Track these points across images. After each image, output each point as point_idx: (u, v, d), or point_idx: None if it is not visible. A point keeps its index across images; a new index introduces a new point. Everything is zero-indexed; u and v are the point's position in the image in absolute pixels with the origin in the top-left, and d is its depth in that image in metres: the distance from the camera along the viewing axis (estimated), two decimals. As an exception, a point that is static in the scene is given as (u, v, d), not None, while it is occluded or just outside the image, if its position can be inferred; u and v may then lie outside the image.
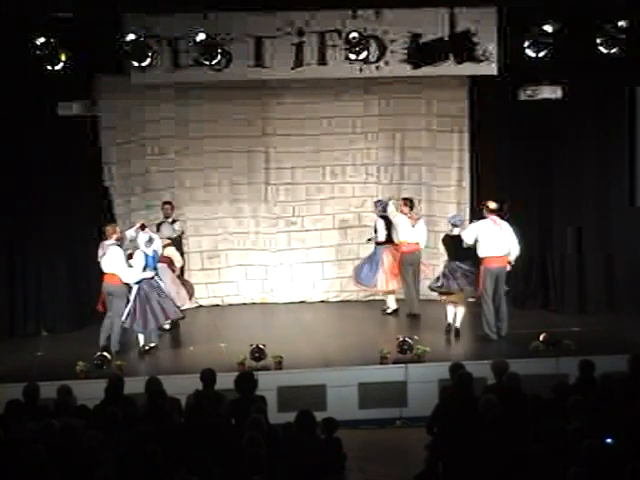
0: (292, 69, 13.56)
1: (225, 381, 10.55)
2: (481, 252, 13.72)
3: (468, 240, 13.84)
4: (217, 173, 16.28)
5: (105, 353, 12.90)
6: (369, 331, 14.68)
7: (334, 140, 16.28)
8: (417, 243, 15.22)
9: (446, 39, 13.52)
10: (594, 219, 15.23)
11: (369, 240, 15.51)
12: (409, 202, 15.34)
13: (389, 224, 15.25)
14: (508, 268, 13.95)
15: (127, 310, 13.46)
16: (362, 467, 10.63)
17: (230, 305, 16.14)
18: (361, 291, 16.09)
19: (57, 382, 11.09)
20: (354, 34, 13.05)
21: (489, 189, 15.74)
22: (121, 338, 13.63)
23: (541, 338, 13.13)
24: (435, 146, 16.15)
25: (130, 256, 13.67)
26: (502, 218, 13.94)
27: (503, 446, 8.77)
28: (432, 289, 14.29)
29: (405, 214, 15.21)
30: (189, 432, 9.25)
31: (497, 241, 13.68)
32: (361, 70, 13.64)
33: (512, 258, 13.89)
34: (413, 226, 15.17)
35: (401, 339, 13.04)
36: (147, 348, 13.60)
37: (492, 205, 13.83)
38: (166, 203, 15.32)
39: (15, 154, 14.31)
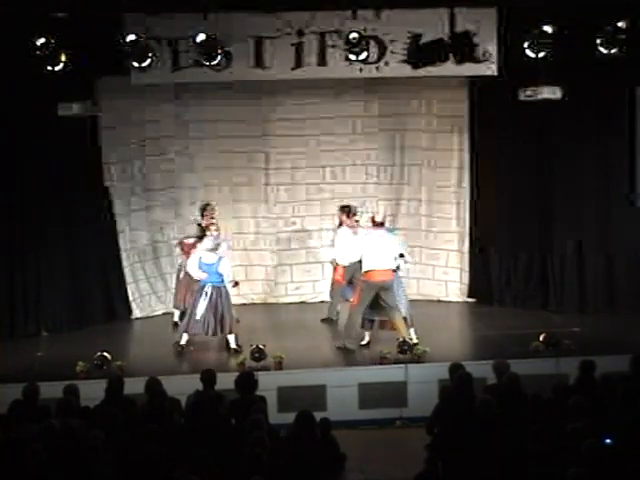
0: (292, 69, 13.53)
1: (225, 381, 10.55)
2: (364, 265, 13.40)
3: (353, 258, 13.78)
4: (217, 173, 16.28)
5: (105, 353, 12.87)
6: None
7: (334, 140, 16.28)
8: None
9: (446, 39, 13.49)
10: (594, 219, 15.22)
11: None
12: (347, 209, 14.78)
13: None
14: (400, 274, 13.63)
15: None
16: (362, 467, 10.61)
17: (230, 305, 16.13)
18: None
19: (57, 382, 11.10)
20: (354, 34, 13.02)
21: (489, 189, 15.76)
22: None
23: (541, 338, 13.12)
24: (435, 146, 16.14)
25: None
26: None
27: (503, 446, 8.78)
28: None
29: (347, 224, 14.67)
30: (189, 432, 9.25)
31: (380, 254, 13.30)
32: (361, 70, 13.60)
33: (403, 266, 13.57)
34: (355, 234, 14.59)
35: (401, 339, 13.05)
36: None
37: (378, 218, 13.60)
38: (208, 205, 15.06)
39: (15, 154, 14.30)
